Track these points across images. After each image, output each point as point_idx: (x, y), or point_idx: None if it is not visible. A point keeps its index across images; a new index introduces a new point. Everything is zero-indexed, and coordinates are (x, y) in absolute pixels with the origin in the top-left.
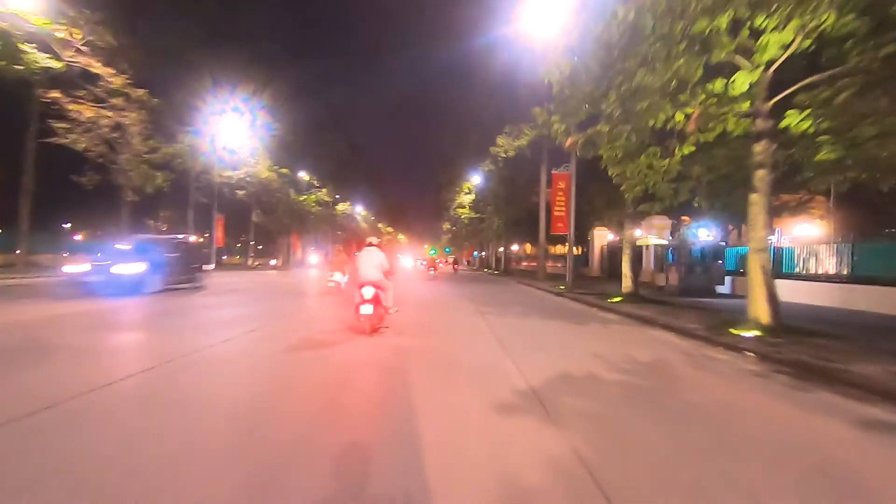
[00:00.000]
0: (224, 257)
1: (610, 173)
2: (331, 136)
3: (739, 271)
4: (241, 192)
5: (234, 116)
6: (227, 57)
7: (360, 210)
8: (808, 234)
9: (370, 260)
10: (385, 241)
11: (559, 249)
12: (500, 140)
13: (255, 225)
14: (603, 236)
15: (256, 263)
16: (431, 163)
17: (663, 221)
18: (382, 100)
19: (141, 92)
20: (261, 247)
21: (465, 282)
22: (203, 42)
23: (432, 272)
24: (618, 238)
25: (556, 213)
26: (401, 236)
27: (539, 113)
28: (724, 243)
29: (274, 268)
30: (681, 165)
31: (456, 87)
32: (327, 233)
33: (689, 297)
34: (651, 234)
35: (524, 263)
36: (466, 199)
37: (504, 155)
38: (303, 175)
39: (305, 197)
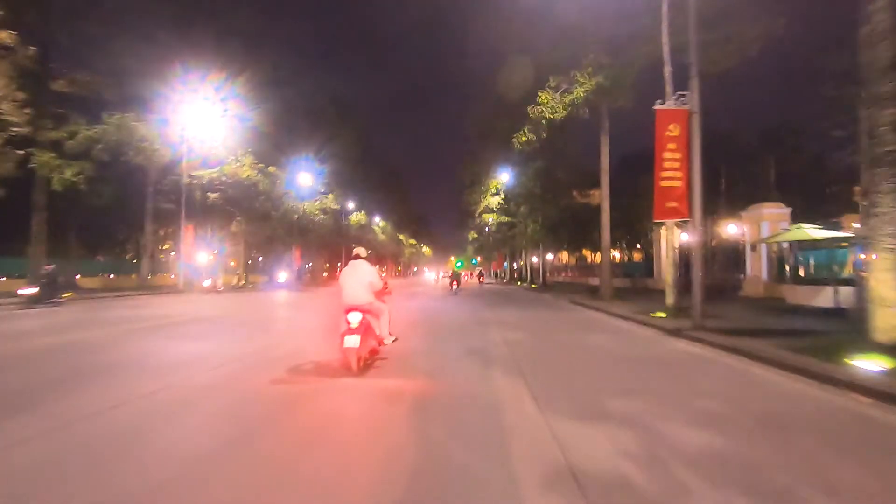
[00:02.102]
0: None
1: None
2: (336, 131)
3: None
4: (213, 195)
5: (199, 99)
6: (186, 27)
7: (378, 221)
8: None
9: (358, 277)
10: (408, 255)
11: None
12: (543, 96)
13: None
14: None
15: (241, 283)
16: (455, 164)
17: (779, 210)
18: (394, 88)
19: (4, 34)
20: (274, 264)
21: (497, 303)
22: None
23: (455, 288)
24: (703, 236)
25: (662, 183)
26: (425, 249)
27: None
28: None
29: (208, 290)
30: None
31: (478, 56)
32: (339, 245)
33: None
34: (760, 228)
35: (561, 275)
36: (493, 200)
37: (551, 116)
38: (302, 177)
39: (308, 204)
